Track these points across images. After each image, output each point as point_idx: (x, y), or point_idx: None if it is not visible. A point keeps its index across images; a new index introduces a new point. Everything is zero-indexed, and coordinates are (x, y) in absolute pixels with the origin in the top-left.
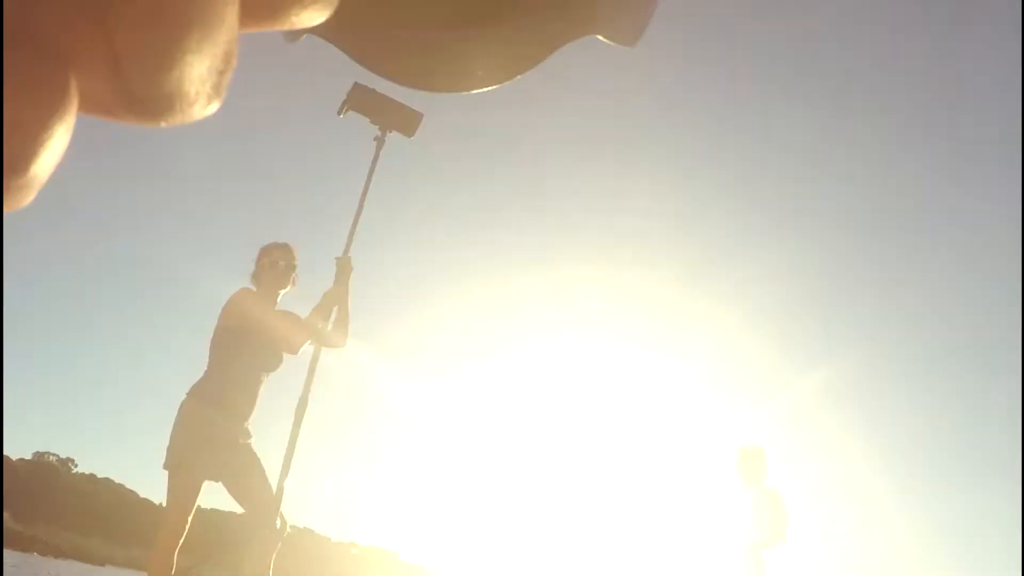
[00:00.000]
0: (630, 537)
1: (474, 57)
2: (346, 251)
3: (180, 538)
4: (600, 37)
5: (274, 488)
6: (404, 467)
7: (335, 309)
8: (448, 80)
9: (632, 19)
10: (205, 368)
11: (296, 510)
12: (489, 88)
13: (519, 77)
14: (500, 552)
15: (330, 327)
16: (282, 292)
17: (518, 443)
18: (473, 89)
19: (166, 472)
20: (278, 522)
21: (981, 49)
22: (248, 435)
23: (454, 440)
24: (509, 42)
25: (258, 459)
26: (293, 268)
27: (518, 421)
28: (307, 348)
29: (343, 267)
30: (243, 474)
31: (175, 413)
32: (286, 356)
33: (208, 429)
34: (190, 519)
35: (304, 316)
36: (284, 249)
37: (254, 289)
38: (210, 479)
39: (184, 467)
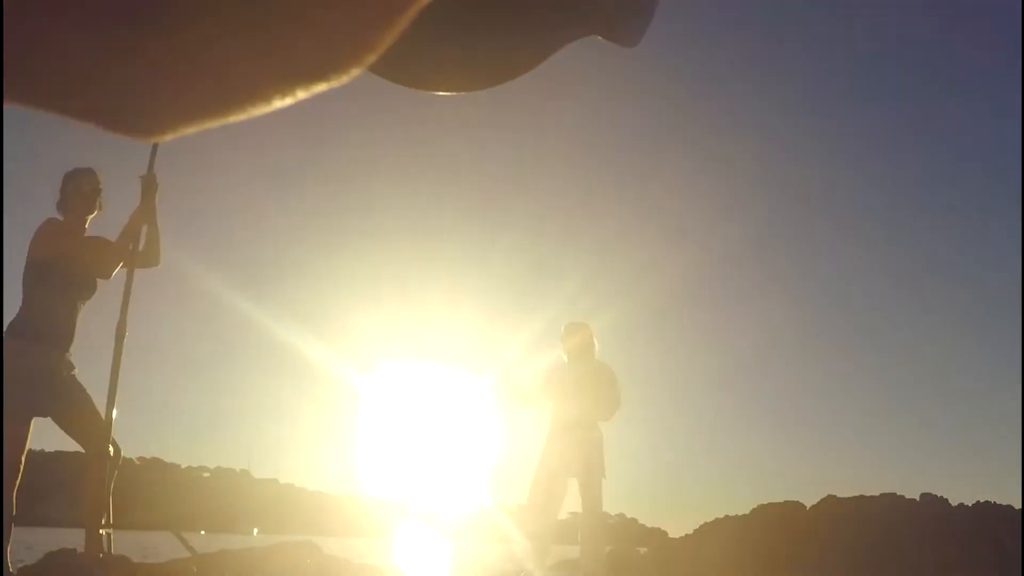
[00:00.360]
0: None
1: (475, 58)
2: (150, 168)
3: (16, 479)
4: (600, 37)
5: (103, 415)
6: (248, 386)
7: (144, 228)
8: (449, 81)
9: (633, 19)
10: (20, 304)
11: (142, 442)
12: (489, 88)
13: (519, 77)
14: (350, 461)
15: (141, 246)
16: (89, 217)
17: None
18: (474, 89)
19: None
20: (111, 450)
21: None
22: (71, 366)
23: (297, 355)
24: (510, 42)
25: (84, 389)
26: (98, 192)
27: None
28: (120, 271)
29: (148, 185)
30: (71, 406)
31: None
32: (100, 282)
33: (29, 365)
34: (24, 458)
35: (113, 239)
36: (88, 174)
37: (61, 218)
38: (38, 415)
39: (10, 406)
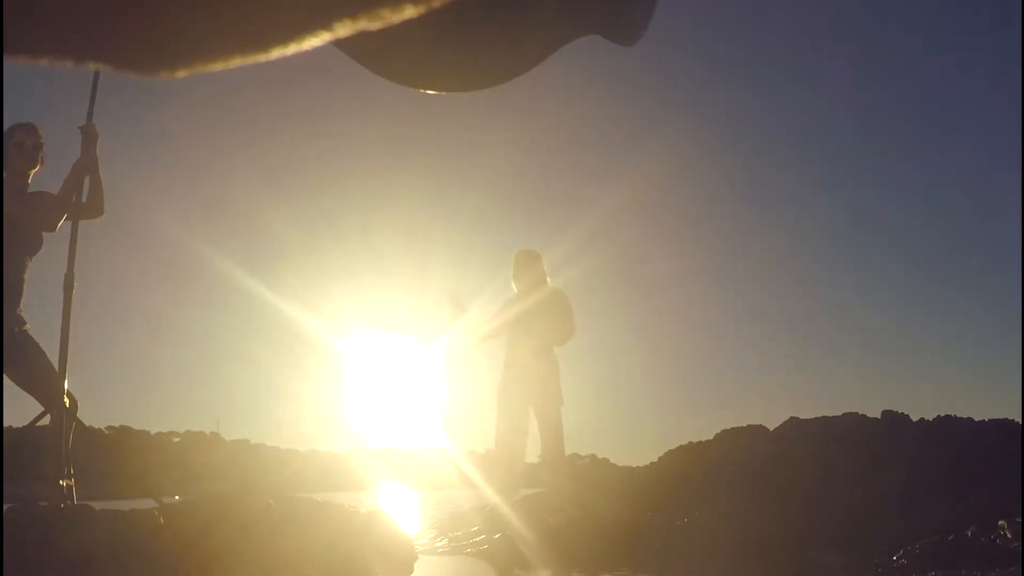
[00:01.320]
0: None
1: (476, 58)
2: (89, 118)
3: None
4: (600, 37)
5: (57, 368)
6: (212, 347)
7: (87, 179)
8: (450, 81)
9: (632, 19)
10: None
11: (109, 411)
12: (490, 87)
13: (520, 76)
14: (320, 420)
15: (84, 198)
16: (32, 172)
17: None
18: (475, 89)
19: None
20: (67, 401)
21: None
22: (22, 322)
23: (257, 311)
24: (510, 42)
25: (37, 344)
26: (40, 147)
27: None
28: (65, 224)
29: (89, 135)
30: (23, 362)
31: None
32: (45, 235)
33: None
34: None
35: (56, 192)
36: (29, 129)
37: (3, 174)
38: None
39: None
